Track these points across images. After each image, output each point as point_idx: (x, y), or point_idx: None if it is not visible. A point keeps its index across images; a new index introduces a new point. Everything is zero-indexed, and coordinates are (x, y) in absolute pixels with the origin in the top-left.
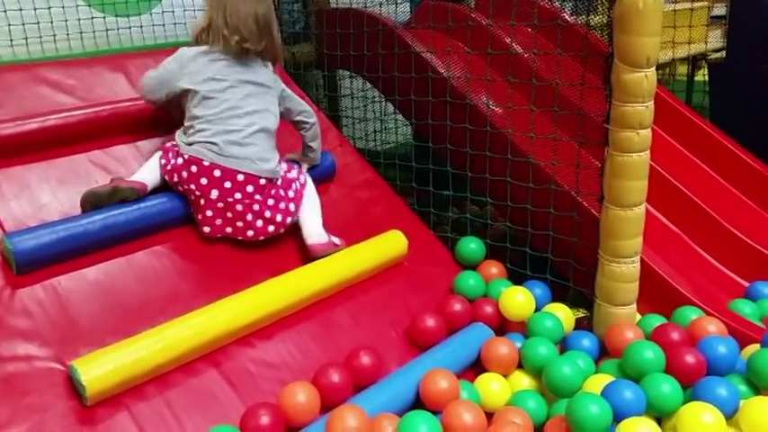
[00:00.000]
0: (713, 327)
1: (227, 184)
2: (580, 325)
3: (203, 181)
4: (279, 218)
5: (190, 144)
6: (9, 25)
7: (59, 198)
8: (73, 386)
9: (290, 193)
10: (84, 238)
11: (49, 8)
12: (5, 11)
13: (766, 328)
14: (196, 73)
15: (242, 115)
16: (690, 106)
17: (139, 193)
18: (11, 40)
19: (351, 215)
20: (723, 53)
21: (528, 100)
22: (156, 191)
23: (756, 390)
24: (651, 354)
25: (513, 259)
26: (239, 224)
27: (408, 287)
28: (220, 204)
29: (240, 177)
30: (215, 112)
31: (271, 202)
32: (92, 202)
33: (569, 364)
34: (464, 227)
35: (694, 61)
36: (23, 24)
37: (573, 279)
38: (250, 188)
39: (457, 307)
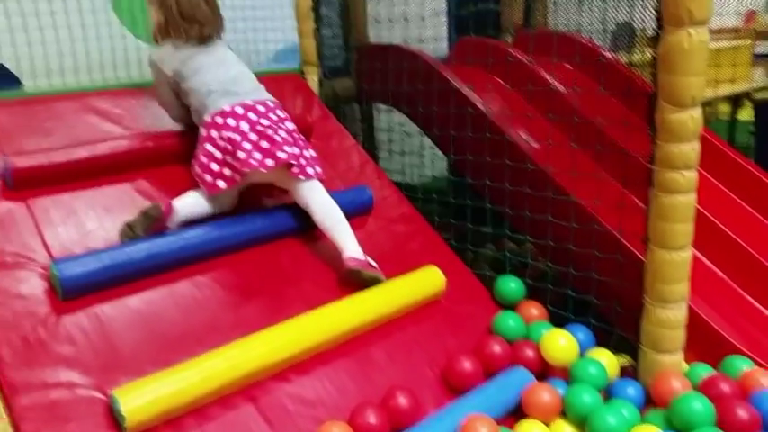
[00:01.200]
0: (766, 379)
1: (253, 116)
2: (624, 372)
3: (231, 122)
4: (282, 153)
5: (205, 112)
6: (60, 55)
7: (105, 226)
8: (113, 415)
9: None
10: (129, 266)
11: (98, 39)
12: (58, 41)
13: None
14: (176, 64)
15: (229, 73)
16: (733, 146)
17: (162, 211)
18: (62, 70)
19: (388, 249)
20: None
21: (569, 138)
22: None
23: None
24: (700, 406)
25: (554, 300)
26: (274, 149)
27: (446, 325)
28: (254, 137)
29: (261, 108)
30: (207, 79)
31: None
32: (126, 234)
33: (614, 414)
34: (502, 265)
35: (737, 100)
36: (74, 55)
37: (617, 323)
38: (273, 116)
39: (496, 349)
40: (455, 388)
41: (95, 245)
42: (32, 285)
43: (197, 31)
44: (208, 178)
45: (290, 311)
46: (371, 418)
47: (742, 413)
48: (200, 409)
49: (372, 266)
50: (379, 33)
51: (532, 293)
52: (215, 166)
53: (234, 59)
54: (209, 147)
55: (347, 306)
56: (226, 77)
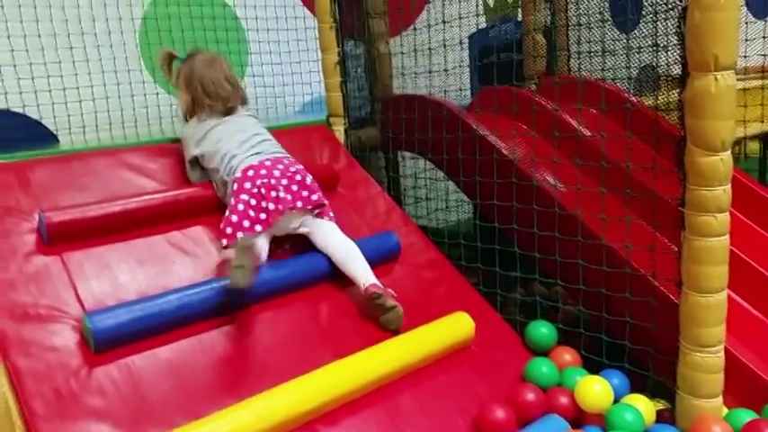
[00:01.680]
0: None
1: (280, 166)
2: (661, 417)
3: (263, 171)
4: (314, 195)
5: (231, 173)
6: (95, 112)
7: (137, 278)
8: None
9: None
10: (160, 317)
11: (132, 96)
12: (94, 99)
13: None
14: (201, 138)
15: (249, 137)
16: (764, 185)
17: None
18: (96, 126)
19: (415, 295)
20: None
21: (597, 182)
22: None
23: None
24: None
25: (587, 345)
26: (305, 193)
27: (476, 373)
28: (285, 181)
29: (285, 160)
30: (231, 144)
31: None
32: (237, 277)
33: None
34: (532, 309)
35: (767, 139)
36: (108, 111)
37: (652, 368)
38: (292, 168)
39: (530, 396)
40: None
41: (127, 296)
42: (65, 338)
43: (221, 107)
44: (246, 224)
45: (317, 361)
46: None
47: None
48: None
49: (393, 296)
50: (403, 84)
51: (564, 339)
52: (252, 213)
53: (255, 123)
54: (244, 197)
55: (375, 354)
56: (249, 139)
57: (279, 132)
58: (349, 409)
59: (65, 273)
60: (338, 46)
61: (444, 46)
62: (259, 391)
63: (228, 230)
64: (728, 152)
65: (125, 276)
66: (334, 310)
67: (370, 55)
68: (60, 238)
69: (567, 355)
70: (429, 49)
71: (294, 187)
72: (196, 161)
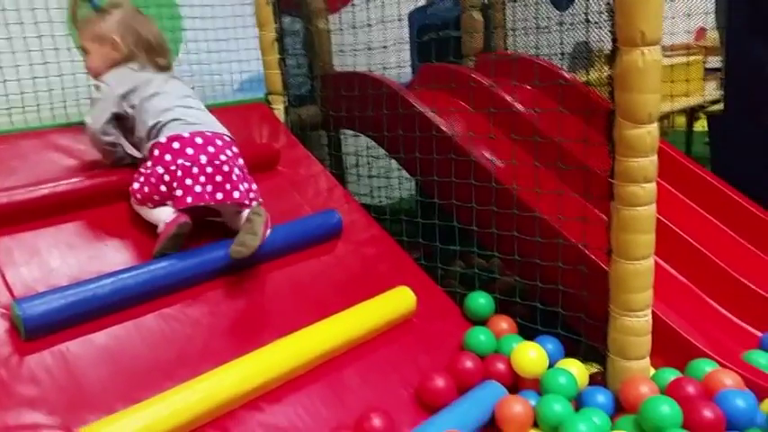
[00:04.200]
0: (730, 380)
1: (211, 149)
2: (594, 380)
3: (189, 150)
4: (252, 187)
5: (158, 134)
6: (22, 93)
7: (69, 263)
8: None
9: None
10: (93, 302)
11: (61, 75)
12: (19, 80)
13: None
14: (132, 89)
15: (187, 100)
16: (690, 156)
17: (191, 224)
18: (23, 108)
19: (358, 272)
20: (721, 105)
21: (532, 156)
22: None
23: None
24: (668, 409)
25: (523, 314)
26: (228, 186)
27: (418, 344)
28: (209, 169)
29: (219, 142)
30: (166, 104)
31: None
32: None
33: (585, 422)
34: (472, 281)
35: (692, 112)
36: (35, 92)
37: (584, 333)
38: (229, 152)
39: (468, 364)
40: (429, 406)
41: (59, 282)
42: None
43: (163, 62)
44: (156, 198)
45: (260, 340)
46: None
47: (707, 413)
48: None
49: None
50: (343, 61)
51: (503, 308)
52: (163, 188)
53: (191, 92)
54: (159, 169)
55: (318, 331)
56: (184, 105)
57: (216, 111)
58: (293, 385)
59: None
60: (276, 22)
61: (383, 23)
62: (200, 373)
63: (138, 196)
64: (655, 124)
65: (56, 261)
66: (277, 290)
67: (308, 31)
68: None
69: (504, 323)
70: (368, 24)
71: (219, 178)
72: (116, 118)
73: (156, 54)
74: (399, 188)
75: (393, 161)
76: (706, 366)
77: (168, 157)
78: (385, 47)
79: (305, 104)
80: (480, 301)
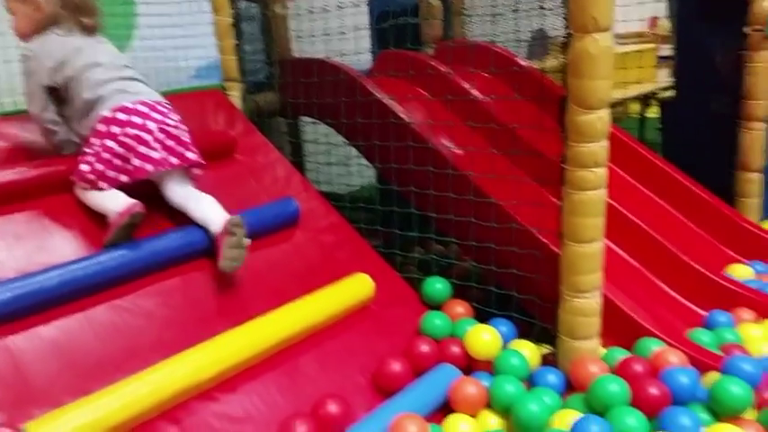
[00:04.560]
0: (674, 357)
1: (157, 115)
2: (546, 361)
3: (137, 119)
4: (190, 153)
5: (98, 108)
6: None
7: (15, 255)
8: None
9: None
10: (41, 294)
11: (4, 61)
12: None
13: (724, 356)
14: (65, 53)
15: (121, 68)
16: (643, 142)
17: (144, 213)
18: None
19: (316, 259)
20: (673, 92)
21: (488, 143)
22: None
23: (717, 417)
24: (616, 387)
25: (479, 298)
26: (180, 149)
27: (376, 330)
28: (161, 135)
29: (162, 108)
30: (104, 76)
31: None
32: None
33: (536, 402)
34: (430, 267)
35: (645, 99)
36: None
37: (537, 315)
38: (174, 116)
39: (424, 348)
40: (386, 390)
41: (5, 275)
42: None
43: (83, 21)
44: (111, 174)
45: (215, 330)
46: (300, 428)
47: (653, 390)
48: None
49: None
50: (301, 48)
51: (460, 293)
52: (118, 162)
53: (126, 60)
54: (109, 142)
55: (274, 318)
56: (123, 77)
57: (171, 98)
58: (249, 374)
59: None
60: (231, 7)
61: (339, 8)
62: (152, 364)
63: (91, 177)
64: (606, 110)
65: (2, 254)
66: (231, 280)
67: (265, 16)
68: None
69: (460, 307)
70: (326, 10)
71: (170, 142)
72: (50, 91)
73: (82, 13)
74: (359, 176)
75: (353, 149)
76: (653, 345)
77: (116, 129)
78: (343, 33)
79: (263, 91)
80: (437, 286)
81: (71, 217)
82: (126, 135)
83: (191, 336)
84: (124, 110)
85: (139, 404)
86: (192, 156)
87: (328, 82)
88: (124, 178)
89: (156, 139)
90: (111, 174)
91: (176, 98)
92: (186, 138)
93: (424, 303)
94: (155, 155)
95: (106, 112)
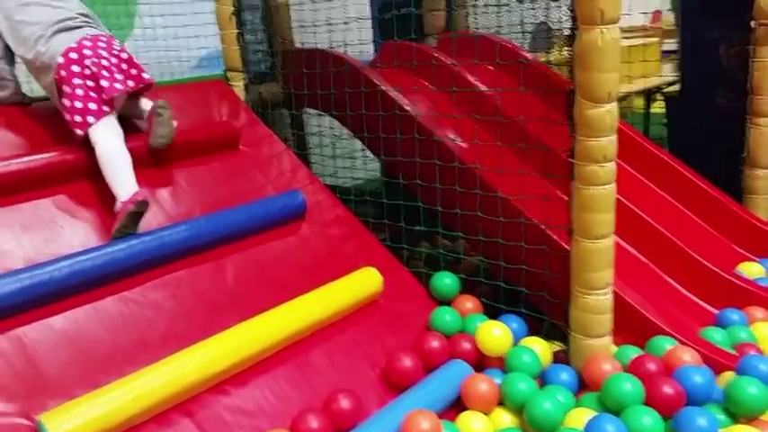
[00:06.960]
0: (688, 356)
1: (102, 44)
2: (557, 358)
3: (87, 51)
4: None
5: (44, 50)
6: None
7: (23, 245)
8: None
9: None
10: (50, 285)
11: None
12: None
13: (739, 356)
14: (12, 9)
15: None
16: (648, 137)
17: (148, 202)
18: None
19: (323, 253)
20: (677, 86)
21: (494, 136)
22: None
23: (734, 418)
24: (630, 386)
25: (488, 293)
26: (134, 71)
27: (384, 325)
28: (114, 60)
29: (104, 38)
30: (46, 17)
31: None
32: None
33: (550, 400)
34: (436, 261)
35: (650, 94)
36: None
37: (547, 312)
38: (118, 43)
39: (434, 344)
40: (396, 386)
41: (14, 265)
42: None
43: None
44: (93, 106)
45: (223, 323)
46: (313, 422)
47: (667, 389)
48: (135, 428)
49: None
50: (304, 38)
51: (468, 288)
52: (93, 94)
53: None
54: (77, 81)
55: (284, 312)
56: (61, 14)
57: (173, 88)
58: (260, 367)
59: None
60: None
61: None
62: (162, 357)
63: (78, 119)
64: (614, 104)
65: (10, 244)
66: (239, 273)
67: (267, 5)
68: None
69: (469, 303)
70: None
71: (124, 66)
72: None
73: None
74: (366, 169)
75: (358, 141)
76: (665, 343)
77: (76, 68)
78: (346, 23)
79: (265, 81)
80: (446, 281)
81: (79, 207)
82: (83, 66)
83: (198, 328)
84: (72, 49)
85: (152, 397)
86: (147, 76)
87: (332, 73)
88: (107, 108)
89: (112, 64)
90: (93, 97)
91: (178, 89)
92: (136, 60)
93: (432, 298)
94: (118, 75)
95: (60, 59)
